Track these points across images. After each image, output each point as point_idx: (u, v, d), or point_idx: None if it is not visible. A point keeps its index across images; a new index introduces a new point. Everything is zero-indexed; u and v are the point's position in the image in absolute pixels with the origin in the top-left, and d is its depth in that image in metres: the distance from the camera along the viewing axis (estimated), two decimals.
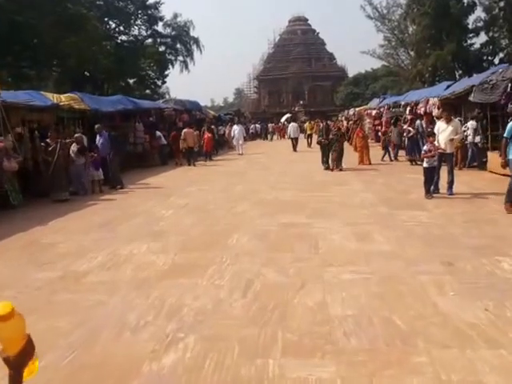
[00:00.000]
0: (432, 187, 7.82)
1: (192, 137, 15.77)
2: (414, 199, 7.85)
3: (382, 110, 20.77)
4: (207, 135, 16.91)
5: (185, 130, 15.81)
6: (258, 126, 35.45)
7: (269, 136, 34.19)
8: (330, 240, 5.38)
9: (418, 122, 13.72)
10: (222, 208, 7.67)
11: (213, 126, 20.00)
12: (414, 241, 5.22)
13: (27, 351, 1.21)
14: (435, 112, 13.14)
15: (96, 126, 10.35)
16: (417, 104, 15.59)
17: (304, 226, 6.12)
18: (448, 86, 13.80)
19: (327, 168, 12.35)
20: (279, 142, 29.66)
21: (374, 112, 21.40)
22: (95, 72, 33.18)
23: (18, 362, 1.20)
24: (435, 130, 8.34)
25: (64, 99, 12.05)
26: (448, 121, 8.18)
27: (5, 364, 1.21)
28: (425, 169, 7.78)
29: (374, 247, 5.02)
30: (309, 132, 23.49)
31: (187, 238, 5.77)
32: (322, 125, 14.05)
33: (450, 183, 8.01)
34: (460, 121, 11.97)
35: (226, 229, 6.13)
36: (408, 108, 16.19)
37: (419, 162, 13.35)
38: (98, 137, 10.42)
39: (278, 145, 27.17)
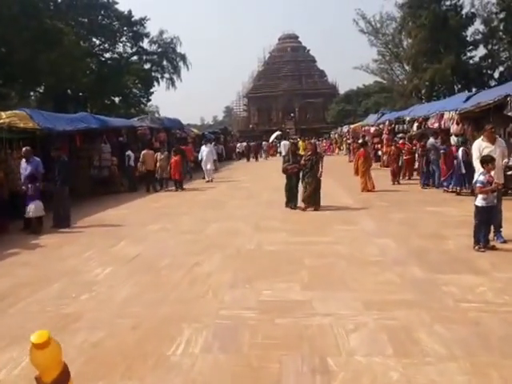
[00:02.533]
0: (484, 235, 5.56)
1: (151, 159, 13.73)
2: (455, 251, 5.60)
3: (381, 126, 18.78)
4: (174, 159, 13.63)
5: (143, 152, 13.76)
6: (244, 144, 33.09)
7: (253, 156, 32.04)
8: (347, 353, 3.06)
9: (430, 140, 11.63)
10: (180, 266, 5.34)
11: (189, 146, 17.35)
12: (494, 355, 2.94)
13: (63, 379, 1.24)
14: (454, 128, 11.07)
15: (23, 150, 7.99)
16: (426, 119, 13.57)
17: (299, 311, 3.81)
18: (468, 98, 11.76)
19: (293, 207, 8.95)
20: (268, 162, 27.26)
21: (372, 129, 19.37)
22: (77, 90, 31.50)
23: None
24: (474, 153, 6.15)
25: (5, 116, 9.84)
26: (493, 140, 6.01)
27: None
28: (480, 209, 5.51)
29: (435, 379, 2.71)
30: (303, 152, 19.69)
31: (105, 337, 3.43)
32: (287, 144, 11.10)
33: (499, 226, 5.82)
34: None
35: (173, 316, 3.79)
36: (415, 124, 14.16)
37: (427, 187, 11.42)
38: (23, 163, 8.04)
39: (265, 165, 24.68)
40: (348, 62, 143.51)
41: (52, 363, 1.22)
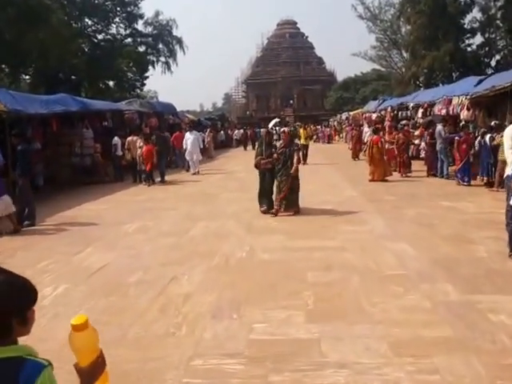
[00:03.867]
0: None
1: (137, 147, 12.23)
2: (488, 260, 4.59)
3: (383, 113, 17.68)
4: (146, 148, 11.41)
5: (129, 139, 12.23)
6: (241, 131, 31.56)
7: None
8: None
9: (438, 127, 10.56)
10: (153, 283, 4.27)
11: (166, 134, 14.34)
12: None
13: (99, 365, 1.22)
14: (464, 114, 10.02)
15: None
16: (432, 105, 12.49)
17: (303, 358, 2.77)
18: (480, 81, 10.68)
19: (267, 211, 7.21)
20: None
21: (374, 116, 18.26)
22: (69, 73, 30.23)
23: (90, 375, 1.19)
24: (507, 142, 5.07)
25: None
26: None
27: (77, 374, 1.18)
28: None
29: None
30: (304, 142, 15.15)
31: None
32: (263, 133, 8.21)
33: None
34: (499, 125, 8.92)
35: (122, 370, 2.71)
36: (420, 110, 13.07)
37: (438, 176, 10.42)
38: None
39: None
40: (346, 50, 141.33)
41: (89, 347, 1.20)
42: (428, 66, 28.96)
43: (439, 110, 11.33)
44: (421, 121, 12.12)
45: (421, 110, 12.76)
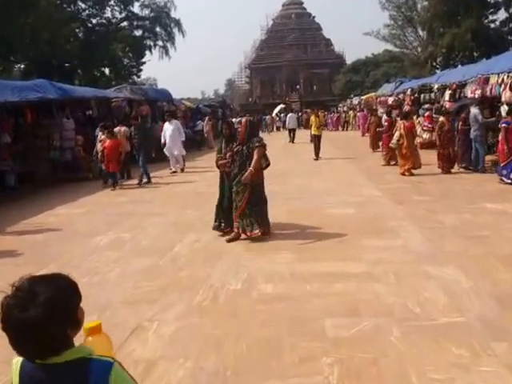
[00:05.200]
0: None
1: (126, 138, 10.56)
2: None
3: (401, 96, 16.14)
4: (108, 143, 9.19)
5: (115, 129, 10.18)
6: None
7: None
8: None
9: (473, 111, 9.09)
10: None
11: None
12: None
13: None
14: (507, 95, 8.53)
15: None
16: (462, 86, 10.98)
17: None
18: None
19: (221, 229, 5.39)
20: (270, 139, 24.40)
21: (390, 99, 16.71)
22: (62, 60, 28.99)
23: None
24: None
25: None
26: None
27: None
28: None
29: None
30: (316, 132, 12.77)
31: None
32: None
33: None
34: None
35: None
36: (447, 92, 11.55)
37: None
38: None
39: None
40: (356, 30, 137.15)
41: (102, 352, 1.16)
42: (447, 44, 27.07)
43: (473, 91, 9.79)
44: (448, 105, 10.61)
45: (448, 92, 11.21)
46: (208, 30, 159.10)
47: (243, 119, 5.60)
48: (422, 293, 3.48)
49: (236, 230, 5.13)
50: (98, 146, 9.86)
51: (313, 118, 13.31)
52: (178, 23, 36.61)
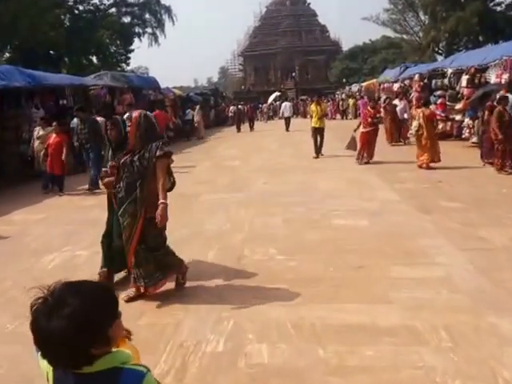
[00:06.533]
0: None
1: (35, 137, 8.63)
2: None
3: (407, 82, 14.89)
4: (54, 139, 7.62)
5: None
6: (240, 107, 26.98)
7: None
8: None
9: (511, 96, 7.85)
10: None
11: (163, 112, 11.37)
12: None
13: None
14: None
15: None
16: (483, 70, 9.75)
17: None
18: None
19: (109, 276, 3.66)
20: (267, 127, 22.96)
21: (396, 86, 15.45)
22: (48, 48, 27.55)
23: None
24: None
25: None
26: None
27: None
28: None
29: None
30: (317, 124, 10.48)
31: None
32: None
33: None
34: None
35: None
36: (464, 77, 10.32)
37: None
38: None
39: (263, 134, 19.51)
40: (352, 15, 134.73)
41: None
42: (450, 29, 25.73)
43: (498, 75, 8.56)
44: (466, 91, 9.39)
45: (465, 77, 9.96)
46: (200, 17, 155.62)
47: (135, 115, 3.23)
48: (499, 370, 2.29)
49: (133, 284, 3.34)
50: (36, 144, 8.25)
51: (313, 106, 10.80)
52: (168, 10, 35.36)
